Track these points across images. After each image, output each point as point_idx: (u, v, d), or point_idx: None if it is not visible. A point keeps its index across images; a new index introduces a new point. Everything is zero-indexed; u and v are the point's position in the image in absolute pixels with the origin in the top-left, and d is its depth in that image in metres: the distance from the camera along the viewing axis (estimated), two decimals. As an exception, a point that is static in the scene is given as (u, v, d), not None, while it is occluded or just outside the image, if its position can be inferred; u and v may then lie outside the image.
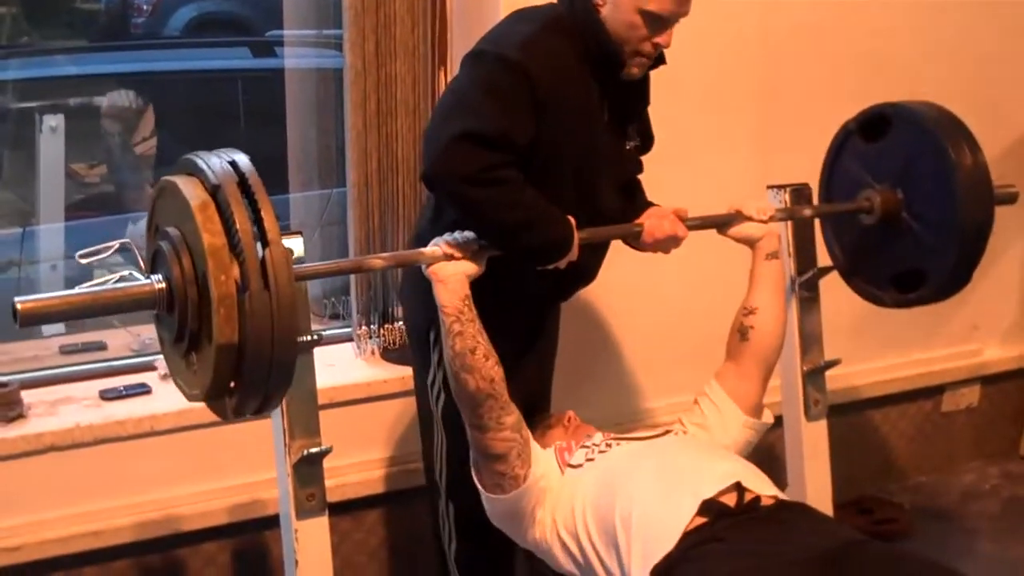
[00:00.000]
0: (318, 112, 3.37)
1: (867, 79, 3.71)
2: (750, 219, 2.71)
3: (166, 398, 3.03)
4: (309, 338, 2.31)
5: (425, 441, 2.82)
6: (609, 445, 2.53)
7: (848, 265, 3.01)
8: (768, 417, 2.71)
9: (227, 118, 4.90)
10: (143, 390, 3.12)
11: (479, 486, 2.49)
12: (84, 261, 2.21)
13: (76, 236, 4.36)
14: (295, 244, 2.31)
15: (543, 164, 2.47)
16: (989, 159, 2.81)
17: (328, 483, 2.45)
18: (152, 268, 2.06)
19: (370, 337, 3.30)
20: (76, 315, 2.09)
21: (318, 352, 2.43)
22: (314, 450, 2.36)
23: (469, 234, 2.40)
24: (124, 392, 3.10)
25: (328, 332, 3.34)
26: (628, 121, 2.67)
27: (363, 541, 3.40)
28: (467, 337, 2.36)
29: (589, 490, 2.41)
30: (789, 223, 2.90)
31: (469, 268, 2.39)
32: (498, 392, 2.39)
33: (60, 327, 3.58)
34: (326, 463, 2.42)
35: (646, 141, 2.78)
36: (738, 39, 3.56)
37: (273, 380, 1.99)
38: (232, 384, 2.01)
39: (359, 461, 3.29)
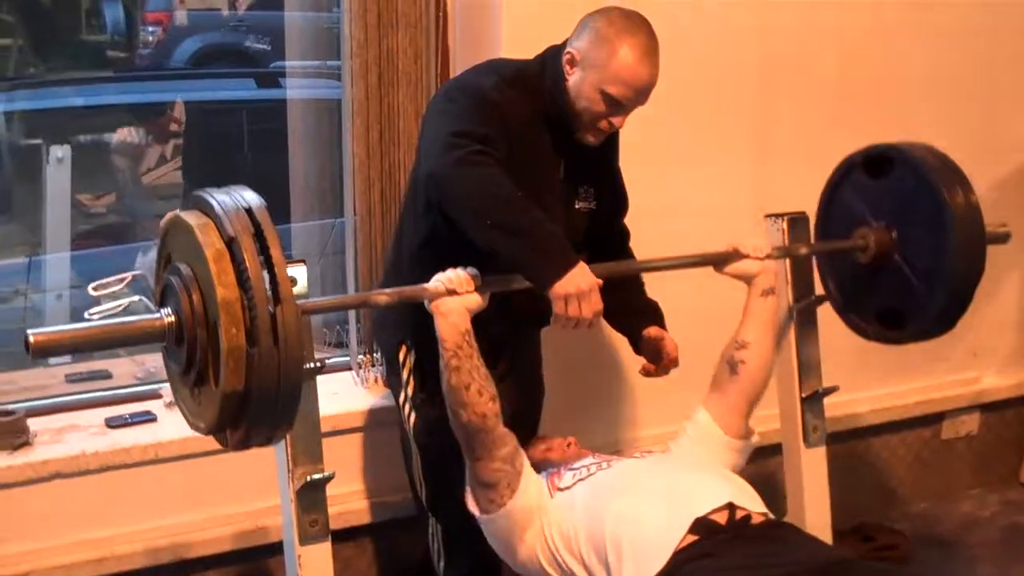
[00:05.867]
0: (320, 142, 3.40)
1: (865, 110, 3.74)
2: (747, 256, 2.74)
3: (171, 426, 3.05)
4: (312, 365, 2.33)
5: (406, 461, 2.86)
6: (600, 466, 2.56)
7: (842, 299, 3.03)
8: (753, 438, 2.74)
9: (233, 148, 4.93)
10: (148, 418, 3.13)
11: (472, 507, 2.52)
12: (95, 293, 2.22)
13: (82, 266, 4.39)
14: (299, 273, 2.33)
15: None
16: (987, 192, 2.83)
17: (331, 510, 2.47)
18: (161, 301, 2.08)
19: (372, 365, 3.32)
20: (87, 347, 2.12)
21: (321, 380, 2.45)
22: (317, 476, 2.38)
23: (471, 269, 2.43)
24: (129, 420, 3.12)
25: (331, 360, 3.36)
26: (580, 181, 2.76)
27: (366, 569, 3.41)
28: (463, 373, 2.39)
29: (580, 510, 2.44)
30: (786, 244, 2.93)
31: (471, 302, 2.40)
32: (490, 427, 2.43)
33: (66, 356, 3.59)
34: (329, 490, 2.44)
35: (614, 201, 2.87)
36: (736, 67, 3.58)
37: (278, 423, 2.05)
38: (236, 422, 2.05)
39: (362, 489, 3.31)
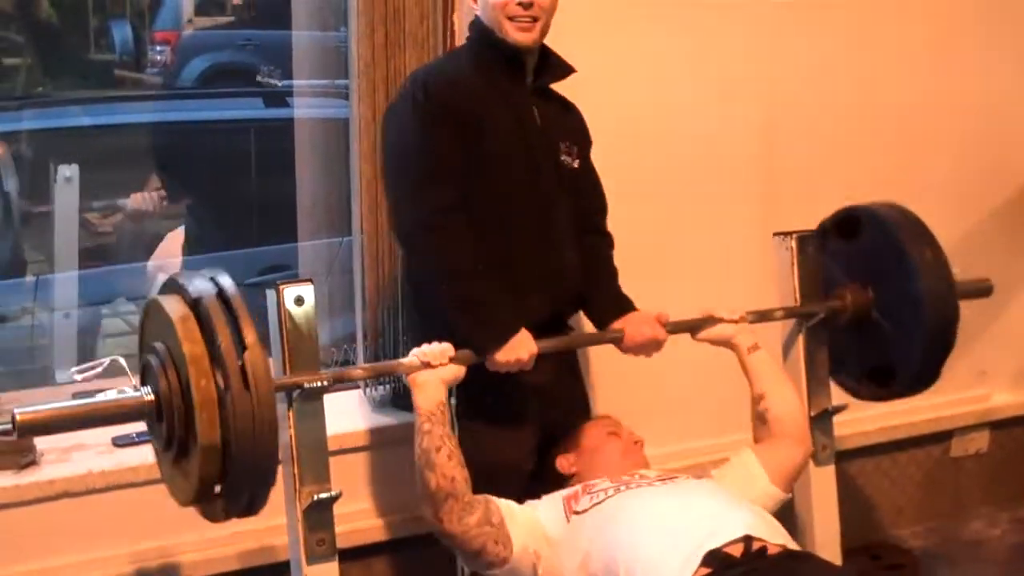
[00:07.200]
0: (328, 161, 3.40)
1: (870, 134, 3.75)
2: (721, 320, 2.77)
3: (178, 445, 3.04)
4: (319, 384, 2.34)
5: None
6: (618, 489, 2.53)
7: (830, 363, 3.05)
8: (788, 491, 2.75)
9: (240, 167, 4.94)
10: (155, 437, 3.13)
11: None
12: (79, 377, 2.40)
13: (89, 285, 4.39)
14: (305, 291, 2.35)
15: (496, 178, 2.65)
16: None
17: (338, 529, 2.46)
18: (143, 381, 2.20)
19: (379, 384, 3.31)
20: (72, 426, 2.23)
21: (328, 399, 2.45)
22: (324, 495, 2.38)
23: (446, 345, 2.50)
24: (136, 439, 3.10)
25: (338, 379, 3.35)
26: (559, 137, 2.80)
27: (373, 588, 3.41)
28: (434, 437, 2.44)
29: (595, 536, 2.41)
30: (794, 263, 2.94)
31: (446, 374, 2.48)
32: (459, 492, 2.44)
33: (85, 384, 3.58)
34: (336, 510, 2.44)
35: (590, 180, 2.90)
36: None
37: (257, 479, 2.13)
38: (218, 488, 2.15)
39: (369, 508, 3.31)
